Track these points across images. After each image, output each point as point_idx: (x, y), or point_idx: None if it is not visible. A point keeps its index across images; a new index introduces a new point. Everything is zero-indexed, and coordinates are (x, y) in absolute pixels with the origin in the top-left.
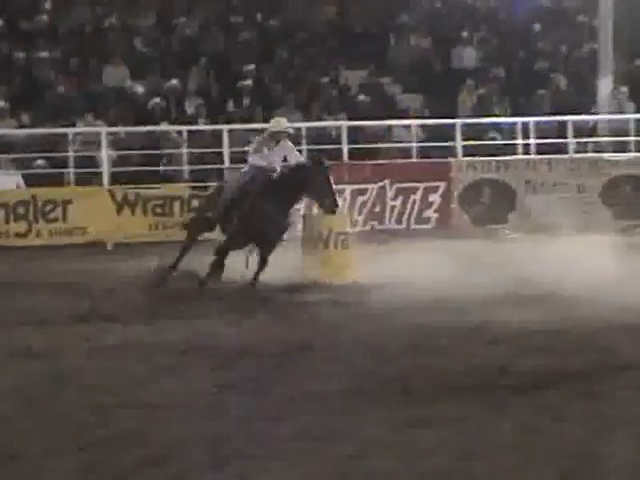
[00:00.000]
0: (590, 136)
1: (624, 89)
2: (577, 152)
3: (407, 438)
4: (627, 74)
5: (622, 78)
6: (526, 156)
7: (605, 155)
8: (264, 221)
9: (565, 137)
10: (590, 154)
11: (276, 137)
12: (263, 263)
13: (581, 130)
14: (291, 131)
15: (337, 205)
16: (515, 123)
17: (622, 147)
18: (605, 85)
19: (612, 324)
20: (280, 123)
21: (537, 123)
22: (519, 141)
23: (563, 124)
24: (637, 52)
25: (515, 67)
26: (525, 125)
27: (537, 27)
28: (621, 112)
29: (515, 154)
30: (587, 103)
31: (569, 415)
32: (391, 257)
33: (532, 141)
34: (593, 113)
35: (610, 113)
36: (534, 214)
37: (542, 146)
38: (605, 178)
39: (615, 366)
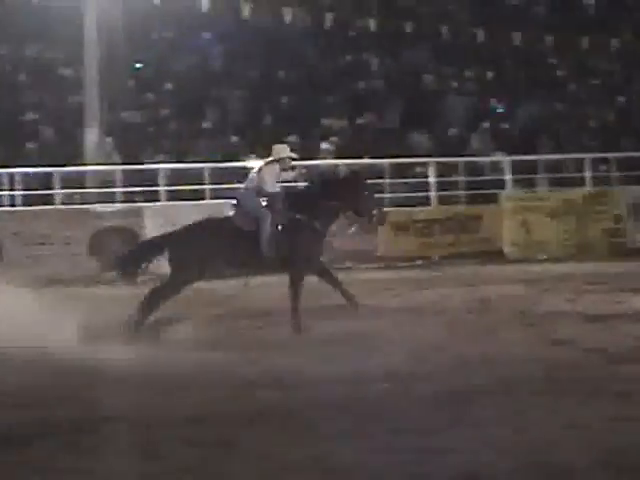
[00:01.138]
0: (77, 187)
1: (109, 140)
2: (64, 203)
3: None
4: (112, 125)
5: (108, 129)
6: (12, 207)
7: (91, 206)
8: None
9: (52, 188)
10: (77, 205)
11: (282, 165)
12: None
13: (68, 181)
14: (294, 155)
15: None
16: (0, 174)
17: (109, 198)
18: (91, 136)
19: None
20: (285, 150)
21: (23, 174)
22: (5, 192)
23: (49, 175)
24: (122, 104)
25: (2, 118)
26: (11, 176)
27: (22, 78)
28: (108, 163)
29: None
30: (74, 154)
31: (54, 469)
32: None
33: (18, 192)
34: (80, 164)
35: (97, 164)
36: (23, 266)
37: (29, 197)
38: (92, 230)
39: (99, 418)
